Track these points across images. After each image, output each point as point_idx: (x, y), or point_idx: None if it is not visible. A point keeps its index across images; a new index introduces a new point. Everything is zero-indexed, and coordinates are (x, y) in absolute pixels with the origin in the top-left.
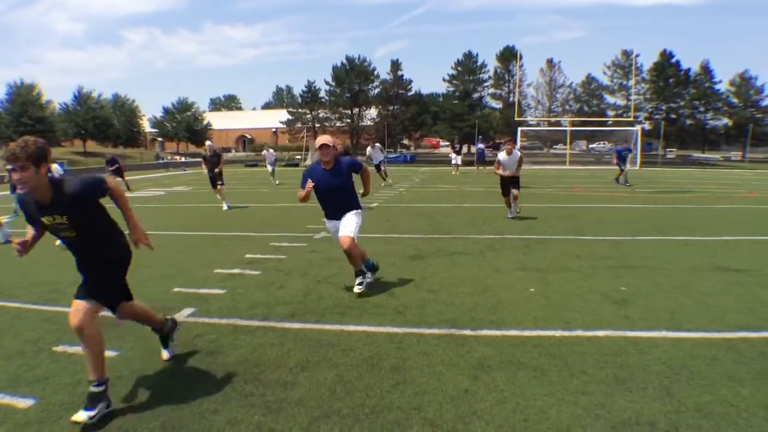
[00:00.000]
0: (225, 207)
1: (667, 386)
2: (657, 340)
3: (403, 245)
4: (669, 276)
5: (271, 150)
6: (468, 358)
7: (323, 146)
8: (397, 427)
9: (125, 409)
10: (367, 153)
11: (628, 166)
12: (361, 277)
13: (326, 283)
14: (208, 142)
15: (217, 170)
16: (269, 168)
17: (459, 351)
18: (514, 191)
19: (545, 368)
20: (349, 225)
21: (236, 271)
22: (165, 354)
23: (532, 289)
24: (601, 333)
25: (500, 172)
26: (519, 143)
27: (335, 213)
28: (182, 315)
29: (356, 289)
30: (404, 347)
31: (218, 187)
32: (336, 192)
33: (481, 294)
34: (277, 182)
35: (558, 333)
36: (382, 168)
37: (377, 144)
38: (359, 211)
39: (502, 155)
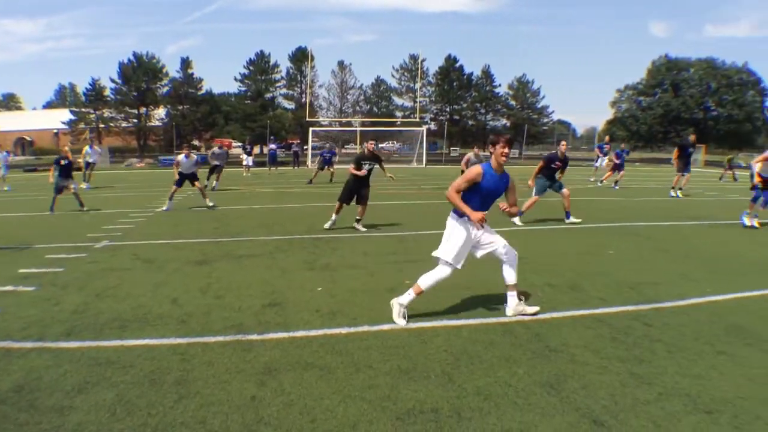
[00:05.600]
0: None
1: (449, 373)
2: (438, 329)
3: (189, 250)
4: None
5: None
6: (255, 364)
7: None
8: None
9: None
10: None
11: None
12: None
13: (106, 297)
14: None
15: None
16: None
17: (245, 357)
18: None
19: (332, 366)
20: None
21: (8, 288)
22: None
23: (320, 288)
24: (386, 327)
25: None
26: (310, 143)
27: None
28: None
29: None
30: (188, 358)
31: None
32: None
33: (269, 296)
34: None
35: (344, 330)
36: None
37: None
38: None
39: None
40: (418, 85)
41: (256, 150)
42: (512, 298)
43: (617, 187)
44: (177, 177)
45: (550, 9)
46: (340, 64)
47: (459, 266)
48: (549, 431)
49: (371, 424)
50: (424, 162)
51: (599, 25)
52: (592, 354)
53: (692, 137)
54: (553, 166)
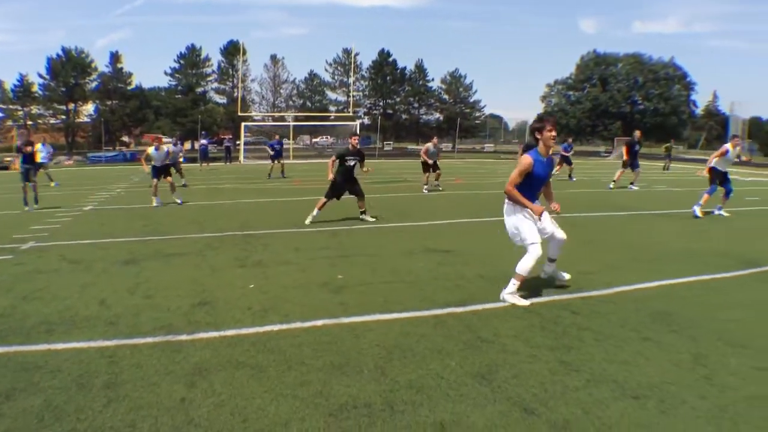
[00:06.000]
0: None
1: (382, 366)
2: (371, 323)
3: (117, 249)
4: (382, 261)
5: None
6: (184, 365)
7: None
8: None
9: None
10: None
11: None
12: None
13: (33, 299)
14: None
15: None
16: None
17: (175, 358)
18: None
19: (263, 365)
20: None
21: None
22: None
23: (252, 286)
24: (318, 322)
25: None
26: (243, 138)
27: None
28: None
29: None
30: (117, 361)
31: None
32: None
33: (199, 295)
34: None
35: (276, 327)
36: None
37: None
38: None
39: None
40: (351, 80)
41: (187, 146)
42: (549, 265)
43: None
44: (148, 170)
45: (480, 5)
46: (273, 57)
47: (540, 241)
48: (481, 421)
49: (303, 422)
50: None
51: (530, 20)
52: (523, 343)
53: (638, 133)
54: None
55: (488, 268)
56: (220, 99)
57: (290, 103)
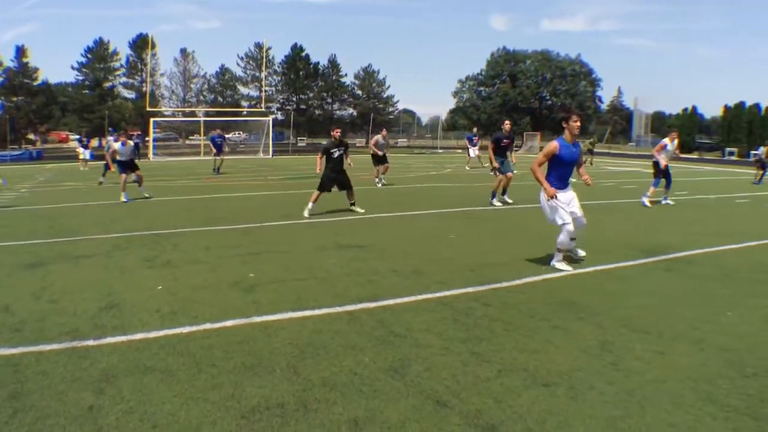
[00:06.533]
0: None
1: (294, 365)
2: (283, 321)
3: (21, 252)
4: (295, 258)
5: None
6: (92, 371)
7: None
8: None
9: None
10: None
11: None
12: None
13: None
14: None
15: None
16: None
17: (82, 364)
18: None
19: (173, 368)
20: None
21: None
22: None
23: (160, 287)
24: (229, 323)
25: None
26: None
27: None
28: None
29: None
30: (22, 369)
31: None
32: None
33: (106, 298)
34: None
35: (186, 329)
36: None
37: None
38: None
39: None
40: (263, 74)
41: (95, 143)
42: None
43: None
44: (113, 166)
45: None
46: (183, 51)
47: (570, 221)
48: (395, 415)
49: (215, 426)
50: (270, 153)
51: (443, 17)
52: (435, 336)
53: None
54: (502, 144)
55: (401, 263)
56: (129, 94)
57: (201, 98)
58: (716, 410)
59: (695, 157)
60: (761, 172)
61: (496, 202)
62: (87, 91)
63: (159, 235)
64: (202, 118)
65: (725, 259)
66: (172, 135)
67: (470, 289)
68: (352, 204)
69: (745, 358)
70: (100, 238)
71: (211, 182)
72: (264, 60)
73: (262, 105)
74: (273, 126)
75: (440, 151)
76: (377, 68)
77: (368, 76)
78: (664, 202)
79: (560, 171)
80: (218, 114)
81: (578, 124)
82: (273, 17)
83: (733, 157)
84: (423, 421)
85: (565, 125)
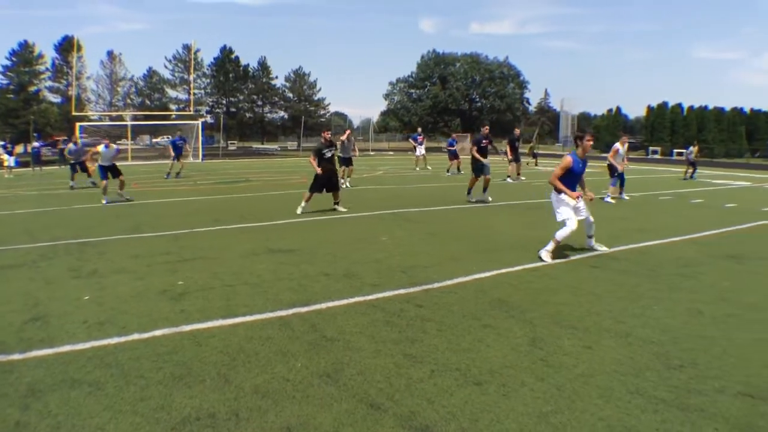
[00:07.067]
0: None
1: (225, 374)
2: (213, 329)
3: None
4: (225, 264)
5: None
6: (17, 386)
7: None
8: None
9: None
10: None
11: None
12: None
13: None
14: None
15: None
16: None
17: (7, 379)
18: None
19: (101, 381)
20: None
21: None
22: None
23: (87, 297)
24: (158, 332)
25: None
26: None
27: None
28: None
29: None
30: None
31: None
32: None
33: (31, 310)
34: None
35: (114, 340)
36: None
37: None
38: None
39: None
40: (192, 77)
41: (19, 149)
42: (589, 241)
43: (461, 173)
44: (92, 167)
45: (325, 2)
46: (110, 54)
47: (575, 218)
48: (328, 421)
49: None
50: (200, 157)
51: (373, 18)
52: (368, 339)
53: (516, 131)
54: (482, 145)
55: (332, 266)
56: (55, 98)
57: (129, 101)
58: (645, 402)
59: None
60: (691, 170)
61: (472, 198)
62: (11, 96)
63: (86, 243)
64: (130, 122)
65: (650, 255)
66: (99, 141)
67: (402, 291)
68: (336, 203)
69: (670, 351)
70: (24, 248)
71: (138, 187)
72: (192, 62)
73: (191, 108)
74: (203, 129)
75: (372, 153)
76: (308, 70)
77: (299, 79)
78: (623, 197)
79: (568, 181)
80: (146, 118)
81: (591, 143)
82: (202, 18)
83: (657, 156)
84: (357, 425)
85: (579, 143)
